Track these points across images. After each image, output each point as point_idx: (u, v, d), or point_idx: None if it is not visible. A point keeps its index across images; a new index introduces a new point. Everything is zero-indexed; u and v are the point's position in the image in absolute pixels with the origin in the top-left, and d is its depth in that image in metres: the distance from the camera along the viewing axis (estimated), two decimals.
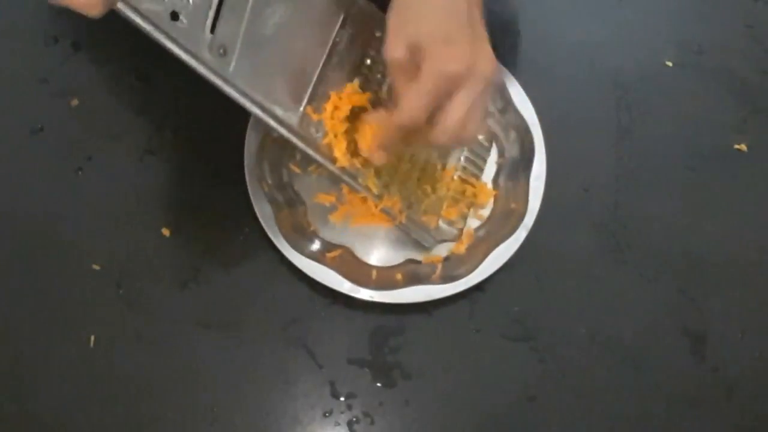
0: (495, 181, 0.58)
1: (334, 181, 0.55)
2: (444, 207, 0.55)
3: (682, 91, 0.62)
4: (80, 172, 0.57)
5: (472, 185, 0.57)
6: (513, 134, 0.58)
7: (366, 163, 0.50)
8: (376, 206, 0.52)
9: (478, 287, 0.55)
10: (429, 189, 0.54)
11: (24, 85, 0.60)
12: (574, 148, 0.60)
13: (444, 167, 0.56)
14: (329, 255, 0.54)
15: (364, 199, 0.54)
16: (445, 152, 0.56)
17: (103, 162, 0.58)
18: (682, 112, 0.61)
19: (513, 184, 0.56)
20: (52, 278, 0.55)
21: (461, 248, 0.55)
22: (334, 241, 0.55)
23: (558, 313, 0.55)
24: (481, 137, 0.58)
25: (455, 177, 0.56)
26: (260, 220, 0.53)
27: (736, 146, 0.60)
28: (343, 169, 0.49)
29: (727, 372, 0.54)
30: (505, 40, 0.62)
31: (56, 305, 0.54)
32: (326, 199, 0.56)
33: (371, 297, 0.52)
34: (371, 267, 0.55)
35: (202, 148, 0.57)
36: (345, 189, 0.55)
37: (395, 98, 0.45)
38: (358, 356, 0.54)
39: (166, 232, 0.56)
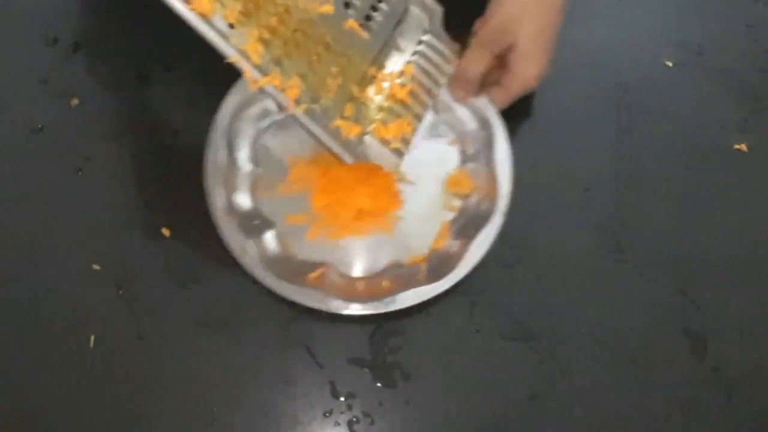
0: (460, 167, 0.57)
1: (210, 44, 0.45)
2: (375, 117, 0.50)
3: (682, 91, 0.62)
4: (80, 172, 0.58)
5: (422, 101, 0.53)
6: (473, 119, 0.57)
7: (246, 15, 0.41)
8: (254, 84, 0.44)
9: (478, 287, 0.55)
10: (354, 88, 0.48)
11: (24, 85, 0.60)
12: (574, 148, 0.60)
13: (380, 69, 0.51)
14: (311, 276, 0.53)
15: (336, 213, 0.54)
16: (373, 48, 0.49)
17: (103, 162, 0.58)
18: (682, 112, 0.61)
19: (479, 170, 0.56)
20: (52, 278, 0.55)
21: (440, 243, 0.55)
22: (313, 260, 0.54)
23: (558, 313, 0.55)
24: (443, 47, 0.56)
25: (398, 84, 0.51)
26: (233, 251, 0.52)
27: (736, 146, 0.60)
28: (209, 22, 0.41)
29: (727, 372, 0.54)
30: None
31: (56, 305, 0.54)
32: (297, 220, 0.55)
33: (362, 311, 0.52)
34: (356, 279, 0.54)
35: (202, 148, 0.57)
36: (315, 206, 0.55)
37: (465, 57, 0.55)
38: (358, 356, 0.54)
39: (166, 232, 0.56)
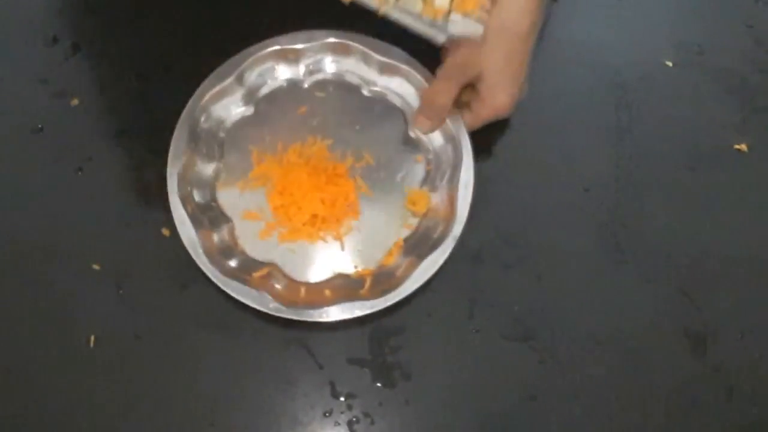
0: (422, 187, 0.56)
1: None
2: None
3: (682, 91, 0.62)
4: (80, 172, 0.58)
5: None
6: (442, 140, 0.57)
7: None
8: None
9: (478, 287, 0.55)
10: None
11: (24, 85, 0.60)
12: (574, 148, 0.60)
13: None
14: (255, 275, 0.53)
15: (291, 215, 0.54)
16: None
17: (103, 162, 0.58)
18: (682, 112, 0.61)
19: (441, 191, 0.55)
20: (52, 278, 0.55)
21: (391, 259, 0.54)
22: (261, 259, 0.54)
23: (558, 313, 0.55)
24: None
25: None
26: (183, 240, 0.52)
27: (736, 146, 0.60)
28: None
29: (727, 372, 0.54)
30: None
31: (56, 305, 0.54)
32: (253, 217, 0.55)
33: (298, 317, 0.51)
34: (299, 284, 0.54)
35: None
36: (271, 205, 0.55)
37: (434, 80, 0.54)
38: (358, 356, 0.54)
39: (166, 232, 0.56)
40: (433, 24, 0.50)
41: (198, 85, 0.57)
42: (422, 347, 0.54)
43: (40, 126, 0.59)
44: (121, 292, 0.54)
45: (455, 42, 0.51)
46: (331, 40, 0.58)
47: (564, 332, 0.54)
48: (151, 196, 0.56)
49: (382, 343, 0.54)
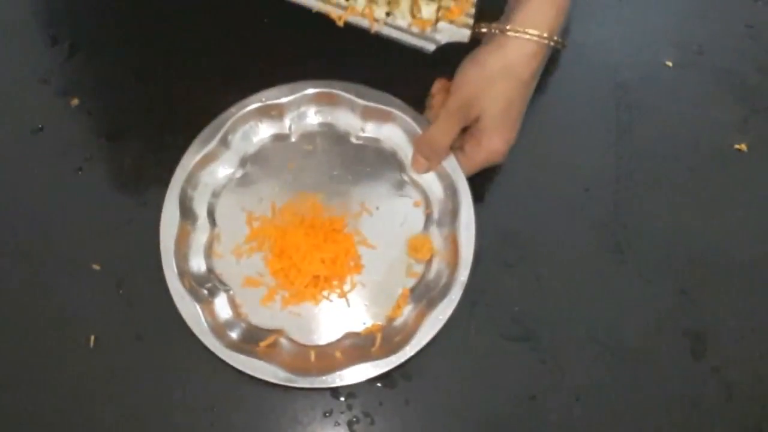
0: (424, 232, 0.55)
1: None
2: (440, 2, 0.51)
3: (682, 91, 0.62)
4: (80, 172, 0.58)
5: None
6: (439, 182, 0.56)
7: None
8: (340, 19, 0.50)
9: (479, 287, 0.55)
10: None
11: (24, 85, 0.60)
12: (574, 148, 0.60)
13: None
14: (263, 344, 0.52)
15: (292, 279, 0.53)
16: None
17: (103, 162, 0.58)
18: (682, 112, 0.61)
19: (443, 236, 0.55)
20: (52, 278, 0.55)
21: (399, 311, 0.53)
22: (266, 327, 0.53)
23: (558, 313, 0.55)
24: None
25: None
26: (183, 316, 0.51)
27: (736, 146, 0.60)
28: None
29: (727, 372, 0.54)
30: None
31: (56, 305, 0.54)
32: (253, 284, 0.54)
33: (312, 385, 0.50)
34: (309, 348, 0.52)
35: None
36: (270, 270, 0.54)
37: (433, 119, 0.54)
38: None
39: None
40: (422, 35, 0.51)
41: (198, 84, 0.57)
42: (422, 347, 0.54)
43: (40, 126, 0.59)
44: (121, 292, 0.54)
45: (457, 83, 0.51)
46: (314, 90, 0.56)
47: (564, 332, 0.54)
48: (151, 196, 0.56)
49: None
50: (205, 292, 0.53)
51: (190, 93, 0.59)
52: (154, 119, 0.59)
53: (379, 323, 0.53)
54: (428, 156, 0.55)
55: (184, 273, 0.53)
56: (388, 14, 0.51)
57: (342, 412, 0.52)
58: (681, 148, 0.60)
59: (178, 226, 0.53)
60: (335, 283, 0.54)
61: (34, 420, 0.51)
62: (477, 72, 0.51)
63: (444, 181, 0.55)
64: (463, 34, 0.51)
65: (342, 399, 0.52)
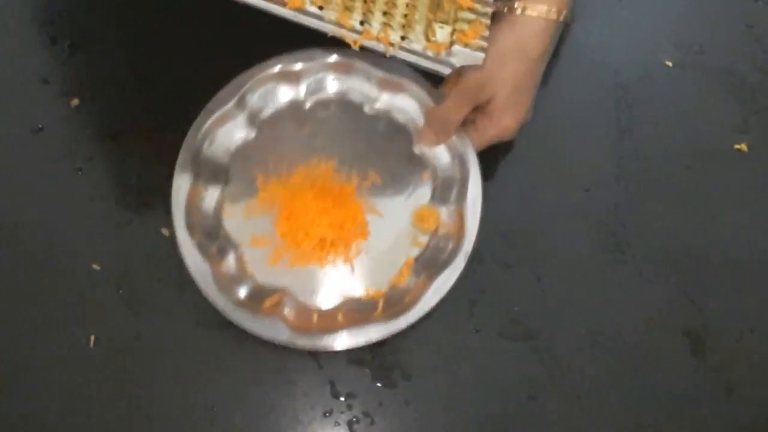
0: (431, 203, 0.56)
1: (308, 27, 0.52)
2: (454, 25, 0.52)
3: (682, 91, 0.62)
4: (80, 172, 0.58)
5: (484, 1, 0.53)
6: (448, 156, 0.56)
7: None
8: (355, 44, 0.50)
9: (478, 287, 0.55)
10: (429, 14, 0.52)
11: (24, 85, 0.60)
12: (574, 148, 0.60)
13: None
14: (267, 302, 0.52)
15: (299, 241, 0.54)
16: None
17: (103, 162, 0.58)
18: (682, 112, 0.61)
19: (450, 207, 0.55)
20: (52, 278, 0.55)
21: (402, 279, 0.54)
22: (272, 285, 0.54)
23: (558, 313, 0.55)
24: None
25: None
26: (191, 273, 0.52)
27: (736, 146, 0.60)
28: (303, 12, 0.49)
29: (727, 372, 0.54)
30: None
31: (56, 305, 0.54)
32: (261, 243, 0.54)
33: (313, 346, 0.51)
34: (311, 309, 0.53)
35: None
36: (279, 231, 0.54)
37: (447, 100, 0.54)
38: (358, 356, 0.54)
39: (166, 232, 0.56)
40: (437, 59, 0.51)
41: (198, 84, 0.57)
42: (422, 347, 0.54)
43: (40, 126, 0.59)
44: (121, 292, 0.54)
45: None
46: (333, 59, 0.57)
47: (564, 332, 0.54)
48: (151, 196, 0.56)
49: (382, 343, 0.54)
50: (215, 248, 0.53)
51: (191, 93, 0.59)
52: (154, 119, 0.59)
53: (382, 290, 0.54)
54: (438, 131, 0.55)
55: (194, 229, 0.53)
56: (403, 38, 0.51)
57: (342, 412, 0.52)
58: (681, 148, 0.60)
59: (190, 182, 0.54)
60: (341, 248, 0.54)
61: (34, 420, 0.51)
62: (488, 53, 0.51)
63: (454, 155, 0.56)
64: (478, 57, 0.51)
65: (342, 399, 0.52)
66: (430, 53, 0.51)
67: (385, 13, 0.51)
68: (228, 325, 0.54)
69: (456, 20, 0.52)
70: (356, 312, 0.53)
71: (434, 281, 0.52)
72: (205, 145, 0.56)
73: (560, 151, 0.59)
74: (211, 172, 0.56)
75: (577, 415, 0.53)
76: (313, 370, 0.53)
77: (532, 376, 0.53)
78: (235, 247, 0.54)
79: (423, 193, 0.56)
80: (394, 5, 0.52)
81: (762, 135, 0.61)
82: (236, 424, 0.52)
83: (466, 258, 0.52)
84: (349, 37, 0.50)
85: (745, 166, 0.60)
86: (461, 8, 0.53)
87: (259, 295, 0.53)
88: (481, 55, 0.51)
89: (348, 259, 0.54)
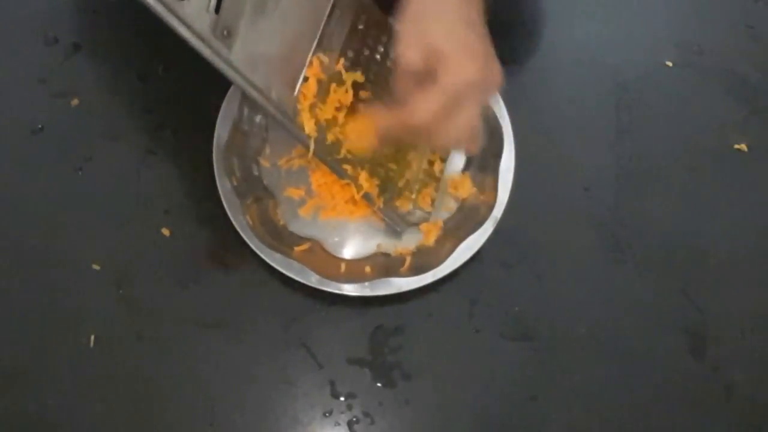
0: (464, 172, 0.58)
1: (316, 168, 0.56)
2: (416, 190, 0.55)
3: (682, 91, 0.62)
4: (80, 172, 0.58)
5: (439, 168, 0.56)
6: (482, 125, 0.56)
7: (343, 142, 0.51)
8: (358, 192, 0.52)
9: (478, 287, 0.55)
10: (401, 172, 0.55)
11: (24, 85, 0.60)
12: (574, 148, 0.60)
13: (414, 149, 0.55)
14: (297, 249, 0.54)
15: (333, 193, 0.55)
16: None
17: (103, 162, 0.58)
18: (682, 112, 0.61)
19: (482, 176, 0.56)
20: (52, 278, 0.55)
21: (430, 240, 0.55)
22: (303, 235, 0.55)
23: (558, 313, 0.55)
24: None
25: (425, 160, 0.56)
26: (229, 215, 0.53)
27: (736, 146, 0.60)
28: (329, 158, 0.51)
29: (727, 372, 0.54)
30: (505, 41, 0.62)
31: (56, 305, 0.54)
32: (295, 193, 0.56)
33: (340, 290, 0.52)
34: (340, 260, 0.55)
35: (202, 148, 0.57)
36: (314, 183, 0.56)
37: (402, 98, 0.45)
38: (358, 356, 0.54)
39: (166, 232, 0.56)
40: (400, 216, 0.54)
41: (198, 84, 0.57)
42: (422, 347, 0.54)
43: (40, 126, 0.59)
44: (121, 292, 0.54)
45: (400, 48, 0.44)
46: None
47: (564, 332, 0.54)
48: (151, 196, 0.56)
49: (382, 343, 0.54)
50: (250, 194, 0.55)
51: (191, 93, 0.59)
52: (154, 119, 0.59)
53: (410, 248, 0.55)
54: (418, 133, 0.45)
55: (231, 171, 0.54)
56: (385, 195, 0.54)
57: (342, 412, 0.52)
58: (681, 148, 0.60)
59: (232, 126, 0.55)
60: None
61: (34, 420, 0.51)
62: (411, 26, 0.44)
63: (488, 124, 0.56)
64: (426, 219, 0.55)
65: (342, 399, 0.52)
66: (402, 209, 0.54)
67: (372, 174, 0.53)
68: (228, 325, 0.54)
69: (416, 180, 0.55)
70: (384, 266, 0.54)
71: (462, 243, 0.53)
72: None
73: (560, 151, 0.59)
74: (252, 120, 0.57)
75: (577, 415, 0.53)
76: (313, 370, 0.53)
77: (532, 376, 0.53)
78: (270, 195, 0.56)
79: (457, 160, 0.58)
80: (388, 170, 0.54)
81: (762, 135, 0.61)
82: (236, 424, 0.52)
83: (495, 223, 0.54)
84: (354, 185, 0.52)
85: (745, 166, 0.60)
86: (426, 171, 0.56)
87: (290, 241, 0.54)
88: (428, 215, 0.55)
89: (380, 217, 0.55)
